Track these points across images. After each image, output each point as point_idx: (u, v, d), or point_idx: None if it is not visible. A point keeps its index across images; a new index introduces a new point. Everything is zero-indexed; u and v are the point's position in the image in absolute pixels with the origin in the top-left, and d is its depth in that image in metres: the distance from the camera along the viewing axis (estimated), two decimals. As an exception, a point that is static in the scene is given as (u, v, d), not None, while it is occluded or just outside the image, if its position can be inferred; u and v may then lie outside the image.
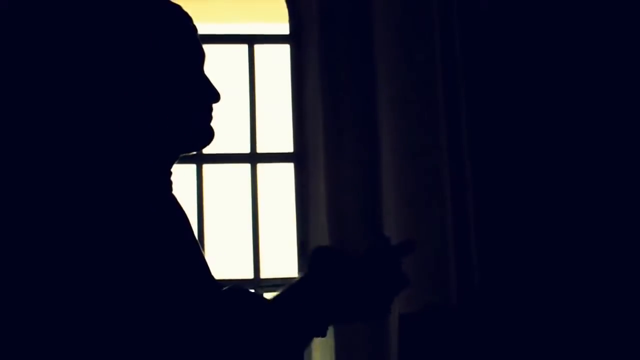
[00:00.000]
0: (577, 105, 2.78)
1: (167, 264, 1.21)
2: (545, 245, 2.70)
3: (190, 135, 1.38)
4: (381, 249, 1.34)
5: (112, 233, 1.17)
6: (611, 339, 2.62)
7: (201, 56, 1.41)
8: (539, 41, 2.81)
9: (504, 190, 2.74)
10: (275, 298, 1.27)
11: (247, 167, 3.53)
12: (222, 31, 3.62)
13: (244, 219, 3.52)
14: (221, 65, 3.55)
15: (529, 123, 2.77)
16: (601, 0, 2.81)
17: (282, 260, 3.53)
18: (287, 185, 3.55)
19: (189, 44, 1.38)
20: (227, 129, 3.50)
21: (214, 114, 1.42)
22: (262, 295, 1.32)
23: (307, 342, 1.28)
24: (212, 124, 1.41)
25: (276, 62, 3.64)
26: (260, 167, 3.54)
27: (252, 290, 1.33)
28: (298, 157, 3.54)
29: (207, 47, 1.46)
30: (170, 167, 1.38)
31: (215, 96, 1.40)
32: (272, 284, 3.42)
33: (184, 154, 1.39)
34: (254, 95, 3.57)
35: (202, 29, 1.46)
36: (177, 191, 1.41)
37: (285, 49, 3.62)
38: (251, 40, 3.62)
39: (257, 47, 3.62)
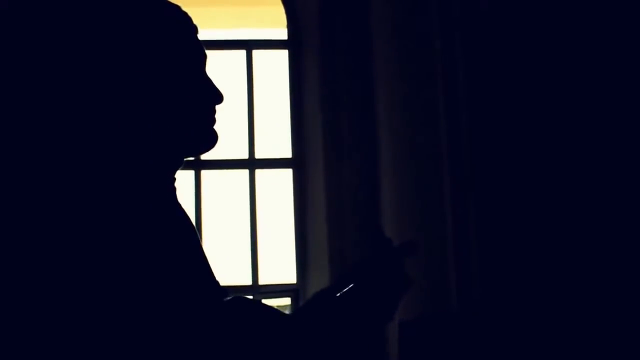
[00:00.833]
0: (577, 106, 2.77)
1: (172, 269, 1.21)
2: (546, 249, 2.69)
3: (194, 138, 1.35)
4: (384, 251, 1.34)
5: (117, 238, 1.16)
6: (611, 341, 2.61)
7: (202, 56, 1.39)
8: (539, 41, 2.80)
9: (505, 195, 2.73)
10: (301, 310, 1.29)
11: (245, 173, 3.52)
12: (219, 37, 3.62)
13: (242, 225, 3.50)
14: (219, 71, 3.54)
15: (529, 123, 2.76)
16: (601, 0, 2.81)
17: (280, 267, 3.52)
18: (285, 191, 3.54)
19: (189, 44, 1.36)
20: (225, 134, 3.49)
21: (217, 116, 1.40)
22: (268, 305, 1.32)
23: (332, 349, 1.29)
24: (216, 126, 1.39)
25: (274, 67, 3.63)
26: (259, 172, 3.53)
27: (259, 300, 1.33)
28: (297, 163, 3.53)
29: (204, 53, 1.44)
30: (174, 172, 1.36)
31: (218, 97, 1.38)
32: (270, 290, 3.41)
33: (187, 158, 1.37)
34: (252, 100, 3.56)
35: (200, 34, 1.44)
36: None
37: (283, 55, 3.61)
38: (249, 45, 3.61)
39: (255, 53, 3.61)
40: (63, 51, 1.24)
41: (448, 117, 2.85)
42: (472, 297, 2.72)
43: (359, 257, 1.37)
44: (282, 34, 3.64)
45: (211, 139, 1.37)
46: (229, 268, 3.49)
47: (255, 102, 3.56)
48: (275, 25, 3.66)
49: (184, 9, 1.42)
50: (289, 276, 3.50)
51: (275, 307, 1.31)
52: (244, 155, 3.53)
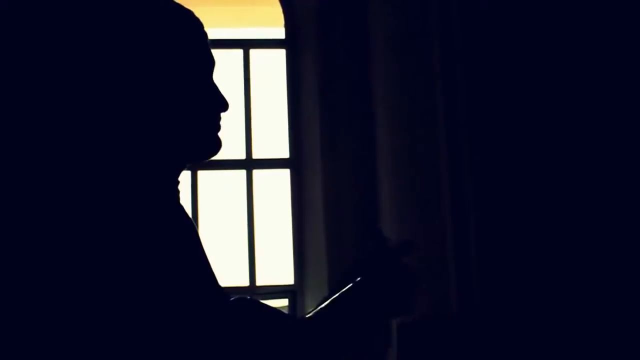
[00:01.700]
0: (577, 108, 2.77)
1: (176, 272, 1.21)
2: (546, 251, 2.68)
3: (198, 144, 1.36)
4: (382, 250, 1.35)
5: (121, 240, 1.16)
6: (611, 344, 2.61)
7: (211, 63, 1.39)
8: (539, 41, 2.80)
9: (504, 196, 2.73)
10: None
11: (242, 173, 3.51)
12: (216, 36, 3.60)
13: (240, 225, 3.49)
14: (215, 71, 3.52)
15: (529, 123, 2.76)
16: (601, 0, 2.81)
17: (278, 268, 3.51)
18: (283, 192, 3.53)
19: (199, 50, 1.36)
20: (222, 134, 3.48)
21: (221, 123, 1.40)
22: (271, 306, 1.32)
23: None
24: (220, 133, 1.40)
25: (272, 67, 3.62)
26: (256, 173, 3.52)
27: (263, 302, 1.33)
28: (294, 163, 3.52)
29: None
30: (178, 175, 1.36)
31: (223, 105, 1.39)
32: (268, 291, 3.39)
33: (191, 163, 1.38)
34: (249, 100, 3.55)
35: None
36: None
37: (280, 54, 3.60)
38: (246, 44, 3.60)
39: (253, 52, 3.59)
40: (70, 54, 1.24)
41: (447, 117, 2.84)
42: (472, 299, 2.71)
43: (357, 257, 1.38)
44: (279, 33, 3.62)
45: (215, 145, 1.39)
46: (226, 269, 3.48)
47: (253, 102, 3.56)
48: (272, 24, 3.64)
49: (183, 9, 1.41)
50: (287, 277, 3.49)
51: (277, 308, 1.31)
52: (241, 155, 3.52)
